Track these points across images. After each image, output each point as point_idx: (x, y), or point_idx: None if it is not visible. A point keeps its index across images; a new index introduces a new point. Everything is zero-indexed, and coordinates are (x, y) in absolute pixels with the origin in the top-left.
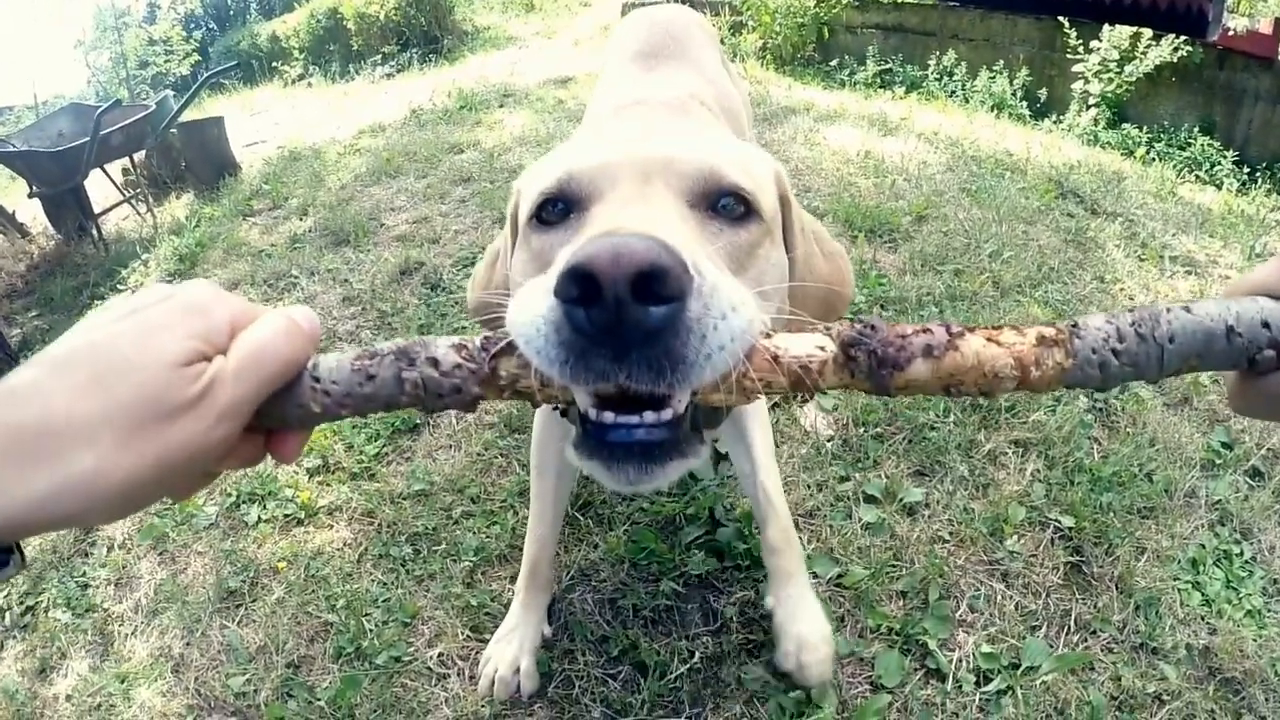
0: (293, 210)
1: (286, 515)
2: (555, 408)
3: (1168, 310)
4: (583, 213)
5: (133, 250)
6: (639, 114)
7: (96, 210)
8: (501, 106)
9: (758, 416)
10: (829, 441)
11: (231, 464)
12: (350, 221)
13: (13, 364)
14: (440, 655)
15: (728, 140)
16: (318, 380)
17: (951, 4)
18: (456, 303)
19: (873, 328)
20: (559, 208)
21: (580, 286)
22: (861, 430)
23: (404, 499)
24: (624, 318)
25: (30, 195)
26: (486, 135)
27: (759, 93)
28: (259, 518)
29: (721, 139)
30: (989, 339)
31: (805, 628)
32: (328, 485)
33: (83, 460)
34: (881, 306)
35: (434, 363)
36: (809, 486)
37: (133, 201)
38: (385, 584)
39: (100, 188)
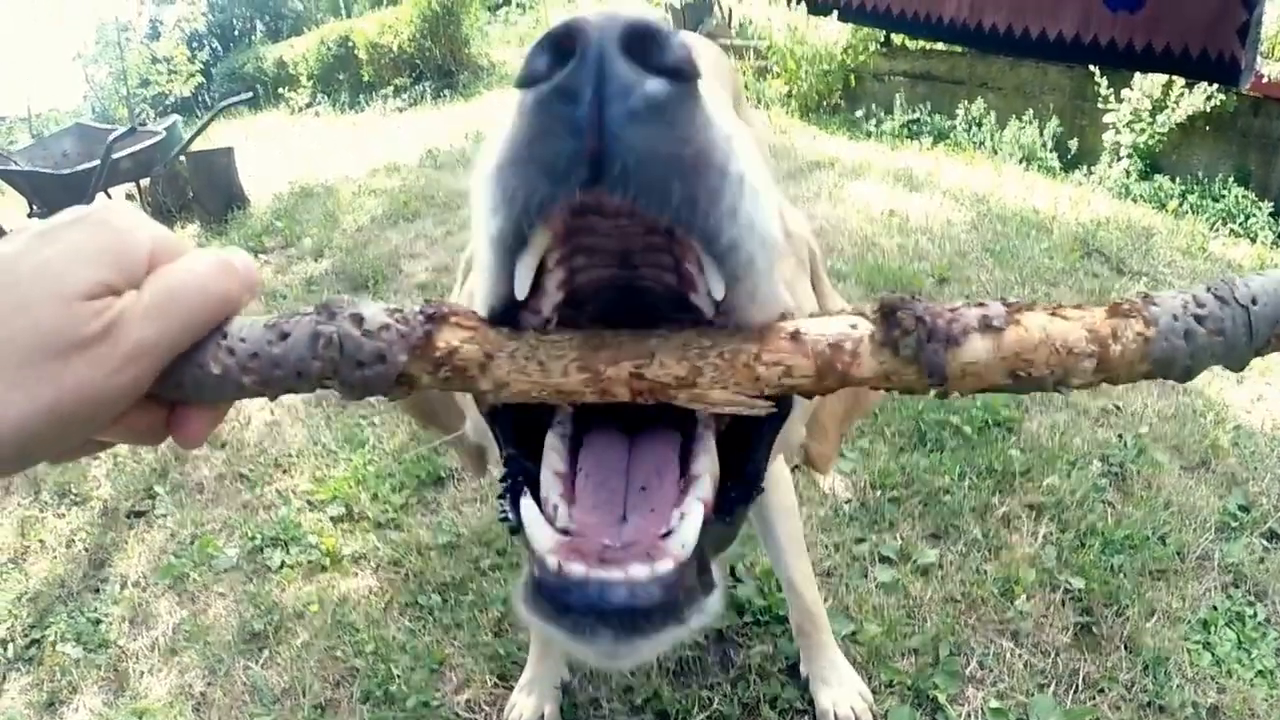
0: (307, 250)
1: (310, 561)
2: (504, 516)
3: (1242, 276)
4: None
5: None
6: None
7: None
8: None
9: (783, 508)
10: (847, 504)
11: (126, 435)
12: (369, 266)
13: None
14: (468, 701)
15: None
16: (224, 335)
17: (980, 52)
18: None
19: (915, 299)
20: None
21: (553, 53)
22: (878, 493)
23: (431, 550)
24: (610, 82)
25: (30, 215)
26: None
27: (784, 144)
28: (282, 562)
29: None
30: (1053, 313)
31: (840, 692)
32: (352, 533)
33: None
34: None
35: (358, 320)
36: (827, 547)
37: None
38: (413, 631)
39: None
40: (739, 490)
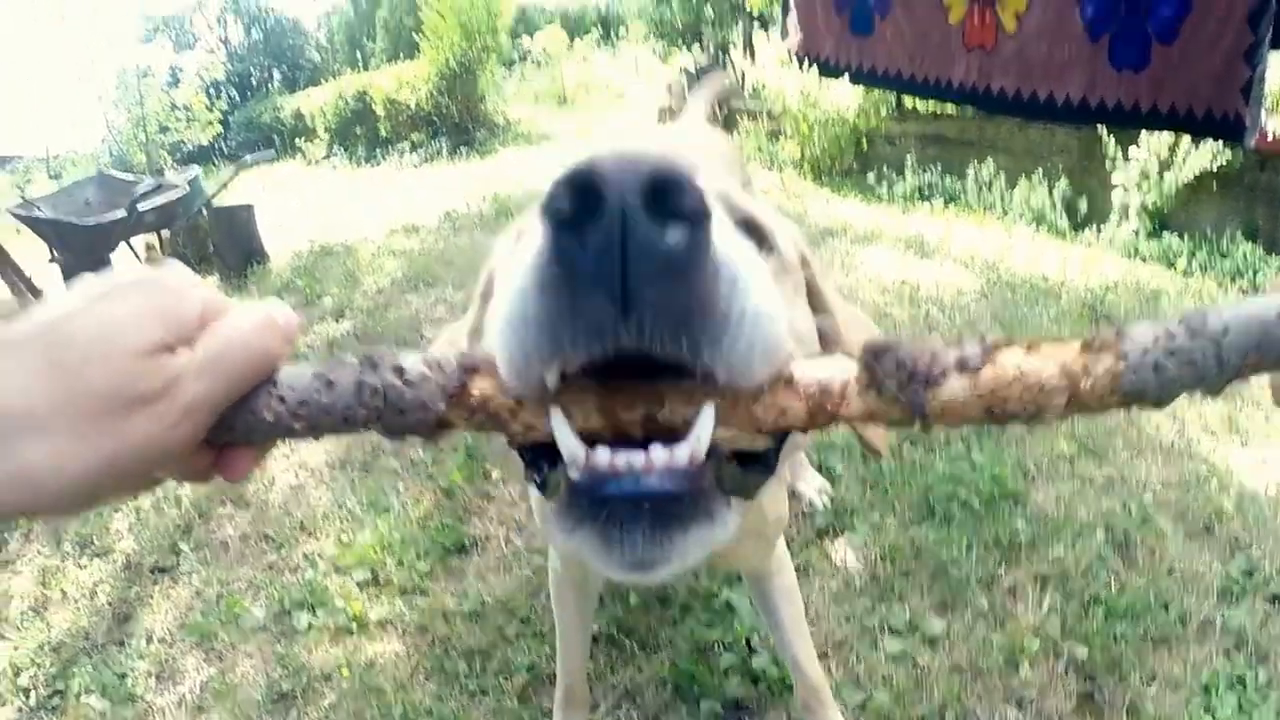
0: (328, 310)
1: (338, 624)
2: (533, 479)
3: (1213, 308)
4: None
5: None
6: None
7: None
8: None
9: (785, 590)
10: (858, 576)
11: (177, 473)
12: (390, 330)
13: None
14: None
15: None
16: (275, 385)
17: (990, 114)
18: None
19: (898, 343)
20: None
21: (577, 197)
22: (888, 566)
23: (456, 616)
24: (631, 236)
25: (51, 260)
26: None
27: (796, 209)
28: (309, 624)
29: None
30: (1029, 349)
31: None
32: (379, 598)
33: (36, 450)
34: (911, 443)
35: (399, 371)
36: (838, 618)
37: None
38: (439, 696)
39: (122, 260)
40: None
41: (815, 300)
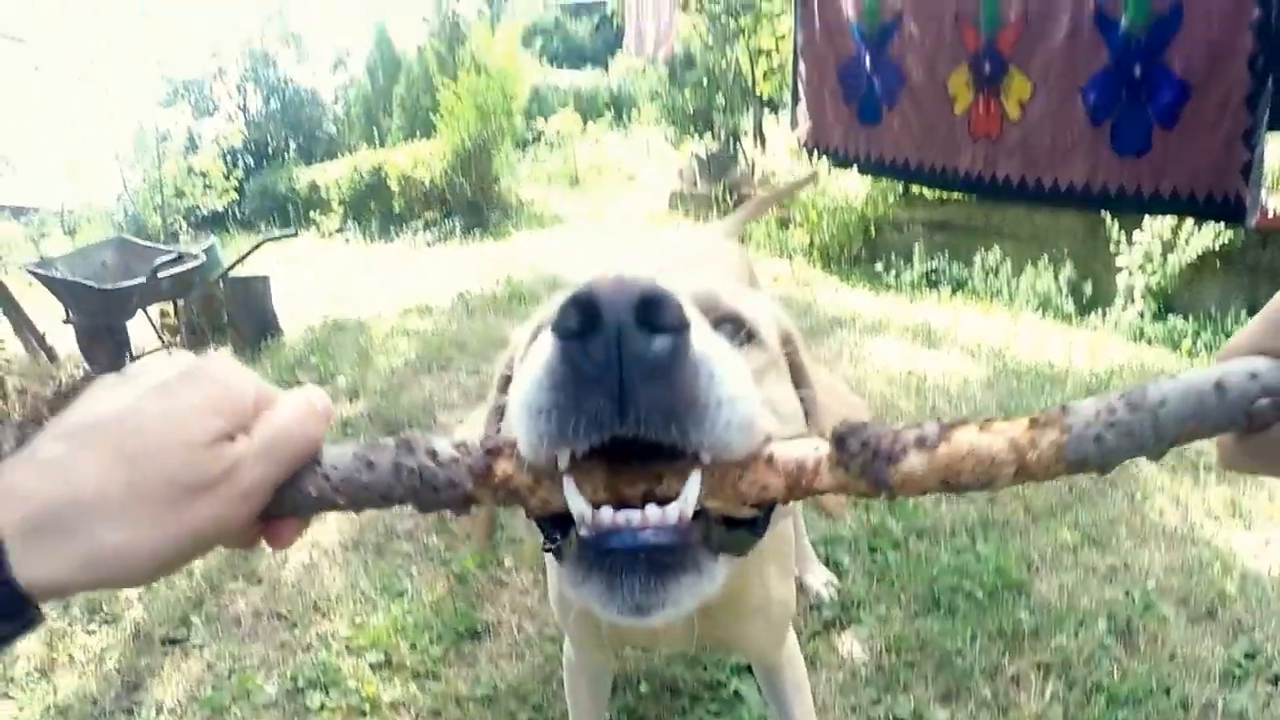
0: (342, 390)
1: (350, 705)
2: (548, 546)
3: (1154, 383)
4: None
5: None
6: None
7: (134, 351)
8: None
9: (795, 683)
10: (863, 667)
11: (229, 542)
12: (404, 413)
13: None
14: None
15: (726, 280)
16: (319, 464)
17: (995, 201)
18: (515, 513)
19: (864, 425)
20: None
21: (580, 315)
22: (893, 656)
23: (469, 701)
24: (625, 347)
25: (66, 321)
26: None
27: (805, 298)
28: (322, 704)
29: (719, 278)
30: (981, 428)
31: None
32: (392, 681)
33: (112, 535)
34: (917, 536)
35: (432, 454)
36: (844, 709)
37: (169, 349)
38: None
39: (136, 324)
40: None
41: (798, 375)
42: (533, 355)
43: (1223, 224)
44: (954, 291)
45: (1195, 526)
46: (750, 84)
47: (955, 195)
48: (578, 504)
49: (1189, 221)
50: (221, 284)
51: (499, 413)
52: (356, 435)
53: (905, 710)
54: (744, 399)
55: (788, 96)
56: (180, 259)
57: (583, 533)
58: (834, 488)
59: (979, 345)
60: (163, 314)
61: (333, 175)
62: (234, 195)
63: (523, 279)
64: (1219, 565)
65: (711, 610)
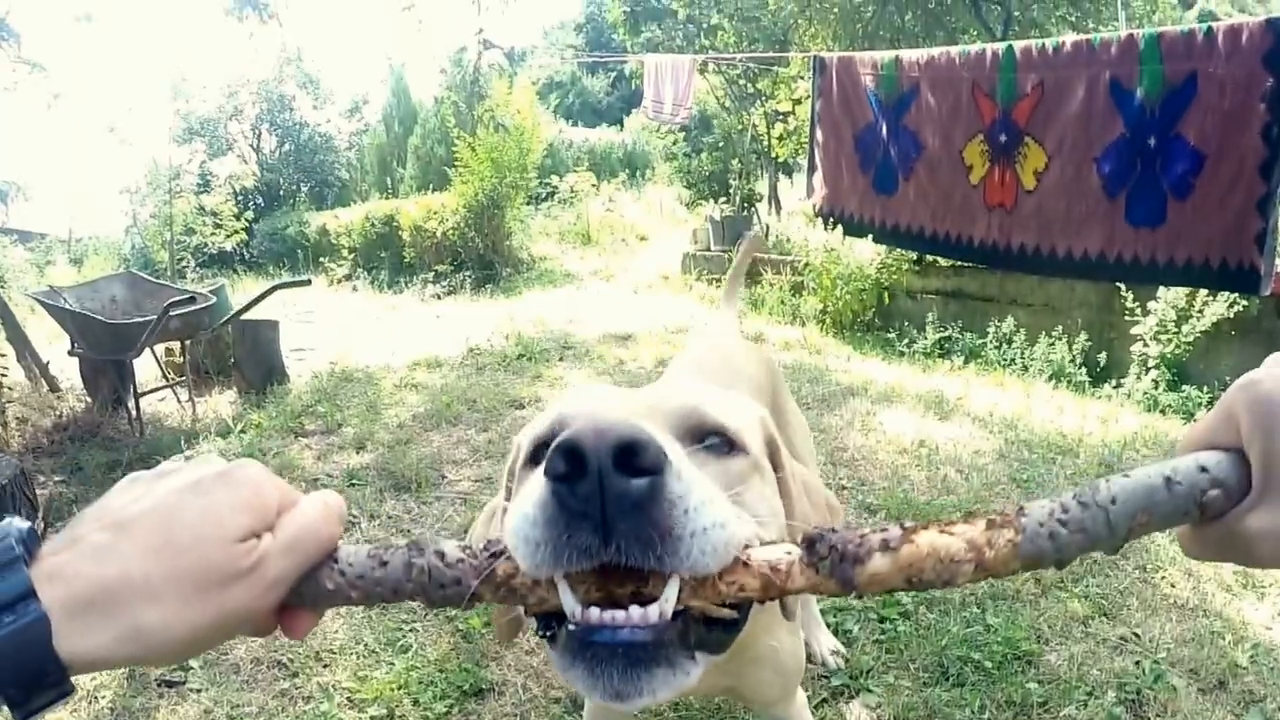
0: (348, 440)
1: None
2: (542, 634)
3: (1107, 479)
4: None
5: (172, 440)
6: None
7: (138, 388)
8: (561, 360)
9: None
10: None
11: (250, 629)
12: (411, 467)
13: (42, 528)
14: None
15: (712, 389)
16: (336, 561)
17: (1010, 270)
18: None
19: (832, 530)
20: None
21: (567, 461)
22: None
23: None
24: (607, 488)
25: (70, 353)
26: (547, 392)
27: (817, 365)
28: None
29: (705, 388)
30: (942, 530)
31: None
32: None
33: (150, 615)
34: (927, 607)
35: (440, 555)
36: None
37: (175, 388)
38: None
39: (140, 362)
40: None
41: (780, 483)
42: (527, 488)
43: (1237, 293)
44: (967, 360)
45: (1207, 597)
46: (766, 147)
47: (969, 264)
48: (569, 603)
49: (1204, 290)
50: (230, 326)
51: (504, 511)
52: (363, 487)
53: None
54: (717, 526)
55: (803, 160)
56: (193, 300)
57: (571, 627)
58: (806, 588)
59: (991, 415)
60: (168, 351)
61: (344, 222)
62: (243, 236)
63: (533, 337)
64: (1230, 636)
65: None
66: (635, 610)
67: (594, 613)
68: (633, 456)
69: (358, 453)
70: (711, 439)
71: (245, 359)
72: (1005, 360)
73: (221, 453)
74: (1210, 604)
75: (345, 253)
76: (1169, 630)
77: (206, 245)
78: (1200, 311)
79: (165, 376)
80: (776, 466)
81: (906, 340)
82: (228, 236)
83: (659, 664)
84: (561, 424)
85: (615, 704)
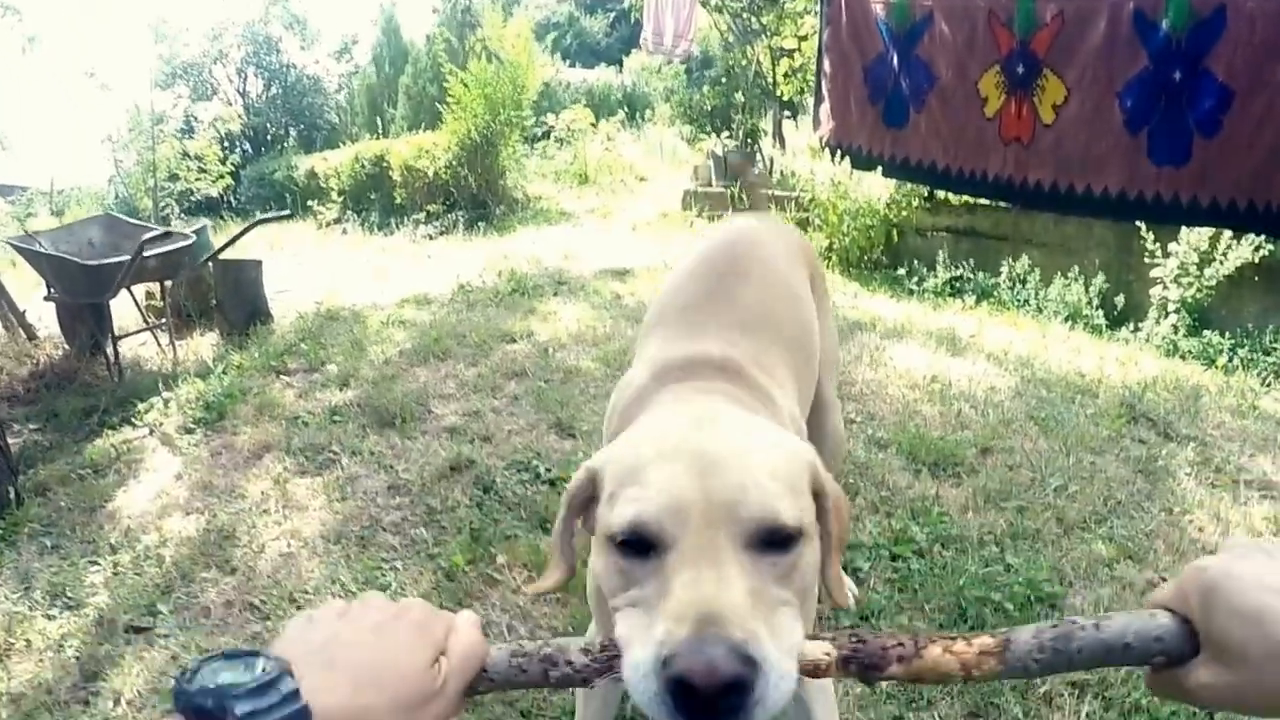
0: (332, 378)
1: None
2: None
3: (1081, 629)
4: (660, 554)
5: (150, 383)
6: (692, 411)
7: (116, 331)
8: (556, 295)
9: (818, 686)
10: (885, 681)
11: None
12: (396, 402)
13: (13, 476)
14: None
15: (777, 454)
16: (485, 670)
17: (1025, 208)
18: (509, 508)
19: (863, 641)
20: (635, 542)
21: (684, 687)
22: None
23: None
24: (717, 706)
25: (47, 298)
26: (540, 326)
27: None
28: None
29: (770, 459)
30: (944, 649)
31: None
32: None
33: None
34: (942, 545)
35: (570, 664)
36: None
37: (155, 330)
38: None
39: (120, 307)
40: None
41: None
42: (642, 645)
43: (1264, 236)
44: (979, 300)
45: None
46: (770, 83)
47: (981, 201)
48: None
49: (1227, 233)
50: (211, 267)
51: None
52: (345, 423)
53: None
54: (783, 696)
55: (808, 100)
56: (168, 236)
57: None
58: (835, 677)
59: (1005, 353)
60: (148, 295)
61: (333, 164)
62: (230, 181)
63: (526, 273)
64: None
65: None
66: None
67: None
68: (735, 690)
69: (341, 390)
70: (779, 534)
71: (227, 300)
72: (1019, 301)
73: (199, 395)
74: None
75: (334, 195)
76: None
77: (192, 191)
78: (1224, 255)
79: (145, 320)
80: (821, 510)
81: (916, 279)
82: (213, 182)
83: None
84: (642, 527)
85: None
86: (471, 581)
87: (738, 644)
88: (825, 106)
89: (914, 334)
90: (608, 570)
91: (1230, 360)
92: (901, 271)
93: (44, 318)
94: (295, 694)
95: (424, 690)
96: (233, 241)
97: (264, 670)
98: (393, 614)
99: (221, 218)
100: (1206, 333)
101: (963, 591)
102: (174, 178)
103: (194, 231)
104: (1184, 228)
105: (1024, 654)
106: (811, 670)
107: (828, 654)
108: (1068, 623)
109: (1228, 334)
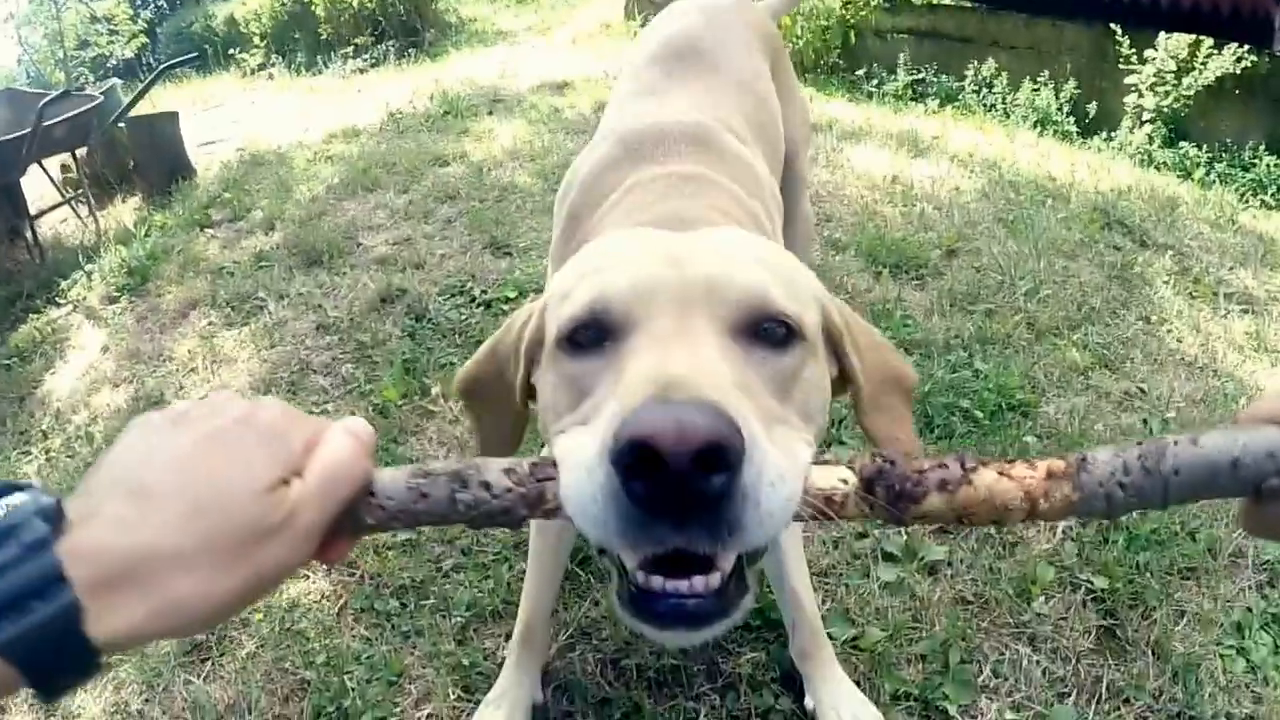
0: (257, 223)
1: None
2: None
3: (1175, 443)
4: (619, 342)
5: (73, 259)
6: (662, 187)
7: (32, 211)
8: (491, 114)
9: (789, 531)
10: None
11: (289, 575)
12: (323, 239)
13: None
14: (429, 715)
15: (768, 249)
16: (373, 495)
17: (992, 8)
18: (444, 335)
19: (892, 462)
20: (591, 333)
21: (641, 458)
22: None
23: (388, 549)
24: (686, 488)
25: None
26: (474, 146)
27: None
28: None
29: (762, 245)
30: (1001, 473)
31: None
32: None
33: (184, 586)
34: (906, 350)
35: (486, 485)
36: (824, 543)
37: (73, 203)
38: (369, 639)
39: (35, 185)
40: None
41: (839, 345)
42: (581, 452)
43: (1246, 46)
44: (942, 104)
45: (1217, 356)
46: None
47: (946, 0)
48: (631, 564)
49: (1208, 41)
50: (125, 128)
51: (526, 388)
52: (271, 268)
53: (896, 545)
54: (782, 501)
55: None
56: (68, 96)
57: (633, 589)
58: (855, 516)
59: (971, 156)
60: (64, 168)
61: (252, 7)
62: (145, 40)
63: (460, 93)
64: (1245, 400)
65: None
66: (698, 580)
67: (657, 580)
68: (715, 456)
69: (266, 234)
70: (769, 325)
71: (145, 160)
72: (985, 105)
73: (123, 262)
74: (1221, 364)
75: (257, 40)
76: (1178, 388)
77: (107, 57)
78: (1203, 64)
79: (62, 194)
80: (835, 338)
81: (875, 81)
82: (127, 42)
83: (721, 616)
84: (603, 310)
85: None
86: (406, 416)
87: (714, 402)
88: None
89: (873, 135)
90: (555, 386)
91: (1207, 174)
92: (860, 73)
93: None
94: (42, 544)
95: (256, 524)
96: (140, 96)
97: (3, 514)
98: (234, 418)
99: (140, 79)
100: (1183, 144)
101: (929, 398)
102: (84, 44)
103: (101, 93)
104: (1162, 34)
105: (1105, 477)
106: (819, 509)
107: (844, 480)
108: (1153, 441)
109: (1205, 147)
